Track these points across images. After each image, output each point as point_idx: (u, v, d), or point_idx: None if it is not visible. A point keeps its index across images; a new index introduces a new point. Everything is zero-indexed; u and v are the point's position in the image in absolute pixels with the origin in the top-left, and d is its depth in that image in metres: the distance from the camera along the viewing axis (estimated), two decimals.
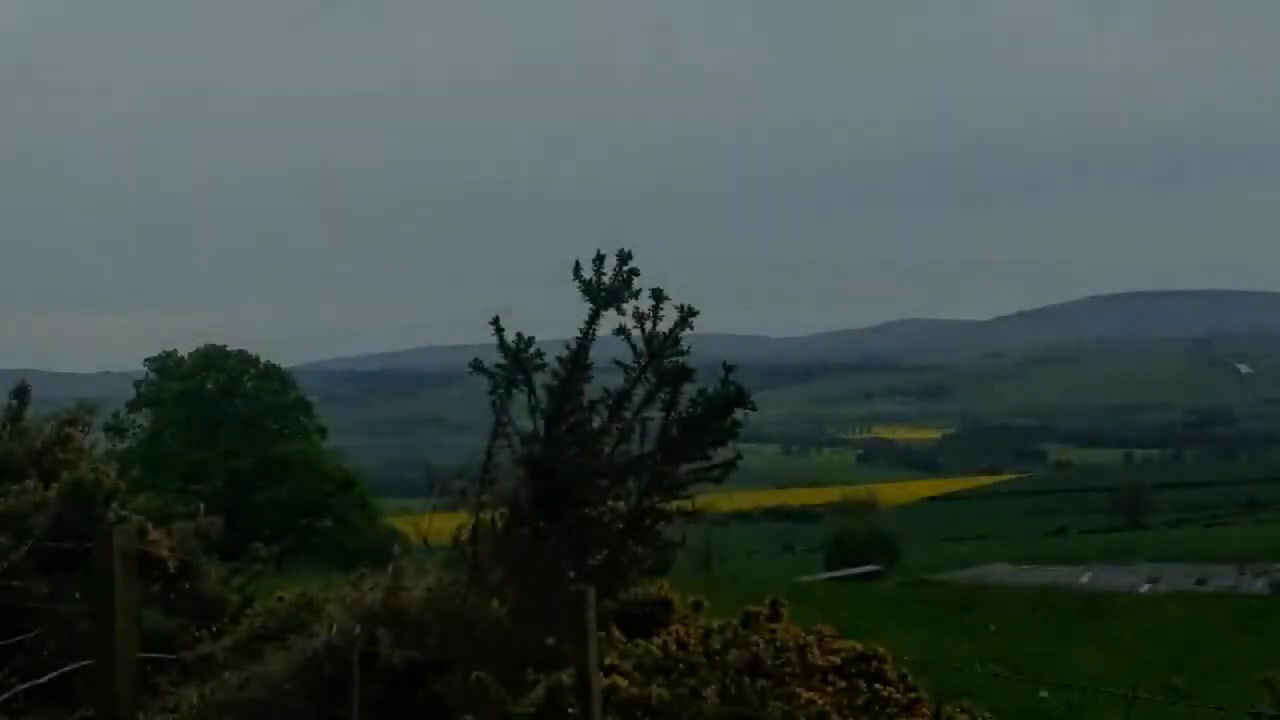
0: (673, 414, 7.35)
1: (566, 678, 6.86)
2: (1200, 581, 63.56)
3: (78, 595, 9.17)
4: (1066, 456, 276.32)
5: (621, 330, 7.39)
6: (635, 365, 7.37)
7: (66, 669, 8.59)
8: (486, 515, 7.49)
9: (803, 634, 8.08)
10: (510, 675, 7.00)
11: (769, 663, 7.64)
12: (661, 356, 7.32)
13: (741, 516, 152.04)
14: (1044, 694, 11.64)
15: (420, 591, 7.52)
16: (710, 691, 7.14)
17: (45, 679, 8.60)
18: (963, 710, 7.83)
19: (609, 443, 7.42)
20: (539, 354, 7.47)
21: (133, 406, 60.56)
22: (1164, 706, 10.98)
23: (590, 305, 7.41)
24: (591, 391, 7.49)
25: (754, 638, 7.90)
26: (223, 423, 59.49)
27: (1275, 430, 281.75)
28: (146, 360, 61.97)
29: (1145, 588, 47.00)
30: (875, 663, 7.84)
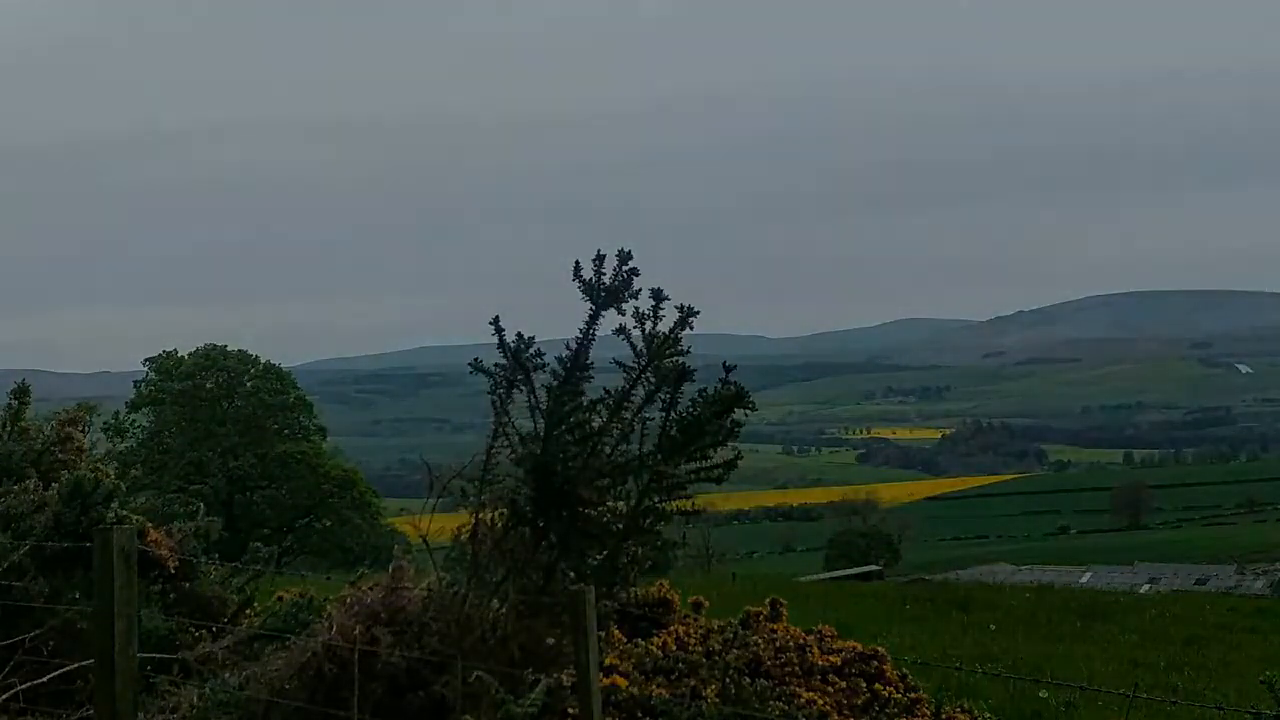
0: (673, 414, 7.35)
1: (566, 678, 6.86)
2: (1200, 581, 63.53)
3: (78, 595, 9.17)
4: (1066, 456, 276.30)
5: (621, 330, 7.39)
6: (635, 365, 7.36)
7: (66, 669, 8.60)
8: (486, 515, 7.49)
9: (803, 634, 8.09)
10: (510, 675, 7.00)
11: (769, 663, 7.64)
12: (661, 356, 7.32)
13: (741, 516, 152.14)
14: (1044, 694, 11.65)
15: (420, 591, 7.52)
16: (710, 691, 7.14)
17: (45, 679, 8.61)
18: (963, 710, 7.84)
19: (609, 443, 7.41)
20: (539, 354, 7.47)
21: (133, 406, 60.49)
22: (1164, 706, 11.01)
23: (590, 305, 7.41)
24: (591, 391, 7.49)
25: (754, 638, 7.91)
26: (223, 423, 59.48)
27: (1275, 430, 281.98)
28: (146, 360, 61.87)
29: (1145, 588, 46.92)
30: (875, 663, 7.85)
